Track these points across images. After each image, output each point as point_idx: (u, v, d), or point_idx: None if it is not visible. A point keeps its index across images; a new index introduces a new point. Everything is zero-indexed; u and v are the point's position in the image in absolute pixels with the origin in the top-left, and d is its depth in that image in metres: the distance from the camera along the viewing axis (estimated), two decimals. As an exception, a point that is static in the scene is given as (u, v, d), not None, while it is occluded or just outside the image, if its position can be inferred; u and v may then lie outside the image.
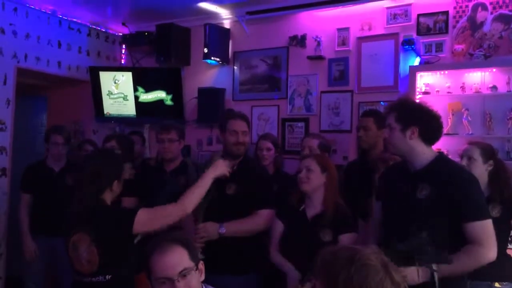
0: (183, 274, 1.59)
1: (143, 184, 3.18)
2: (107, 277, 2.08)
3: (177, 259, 1.61)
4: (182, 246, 1.64)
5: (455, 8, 3.79)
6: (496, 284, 2.51)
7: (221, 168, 2.47)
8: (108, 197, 2.21)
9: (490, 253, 2.04)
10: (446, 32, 3.81)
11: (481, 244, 2.03)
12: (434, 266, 1.96)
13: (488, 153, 2.67)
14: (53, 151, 3.73)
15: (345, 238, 2.46)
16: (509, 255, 2.66)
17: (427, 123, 2.17)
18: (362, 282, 1.16)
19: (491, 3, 3.67)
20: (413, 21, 3.93)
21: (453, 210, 2.06)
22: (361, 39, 4.16)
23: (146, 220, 2.10)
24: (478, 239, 2.03)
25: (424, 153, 2.17)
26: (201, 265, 1.73)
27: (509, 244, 2.69)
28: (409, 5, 3.95)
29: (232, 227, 2.67)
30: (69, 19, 4.86)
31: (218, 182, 2.56)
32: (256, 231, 2.72)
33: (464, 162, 2.64)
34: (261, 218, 2.73)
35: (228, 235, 2.65)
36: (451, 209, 2.05)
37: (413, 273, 1.96)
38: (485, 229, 2.05)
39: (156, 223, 2.15)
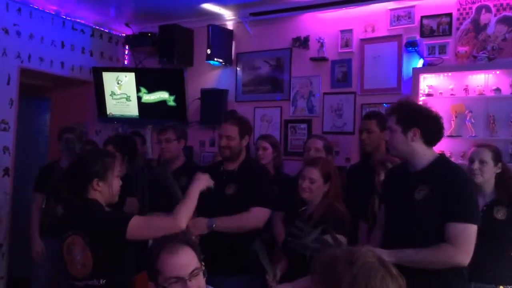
0: (194, 274, 1.60)
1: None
2: (101, 281, 2.06)
3: (188, 259, 1.62)
4: (190, 247, 1.65)
5: (458, 10, 3.78)
6: (501, 287, 2.49)
7: (204, 180, 2.39)
8: (97, 197, 2.12)
9: (461, 256, 1.99)
10: (450, 34, 3.80)
11: (455, 245, 1.99)
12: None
13: (498, 156, 2.67)
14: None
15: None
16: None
17: (428, 124, 2.17)
18: (367, 281, 1.15)
19: (495, 5, 3.66)
20: (416, 23, 3.93)
21: (445, 210, 2.03)
22: (364, 41, 4.16)
23: (139, 228, 2.06)
24: (454, 239, 1.99)
25: (425, 154, 2.18)
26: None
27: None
28: (413, 7, 3.95)
29: (223, 222, 2.69)
30: (73, 19, 4.87)
31: (219, 183, 2.56)
32: (247, 227, 2.72)
33: (475, 165, 2.63)
34: (252, 215, 2.74)
35: (219, 230, 2.66)
36: (443, 208, 2.03)
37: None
38: (465, 232, 2.00)
39: (148, 233, 2.11)
